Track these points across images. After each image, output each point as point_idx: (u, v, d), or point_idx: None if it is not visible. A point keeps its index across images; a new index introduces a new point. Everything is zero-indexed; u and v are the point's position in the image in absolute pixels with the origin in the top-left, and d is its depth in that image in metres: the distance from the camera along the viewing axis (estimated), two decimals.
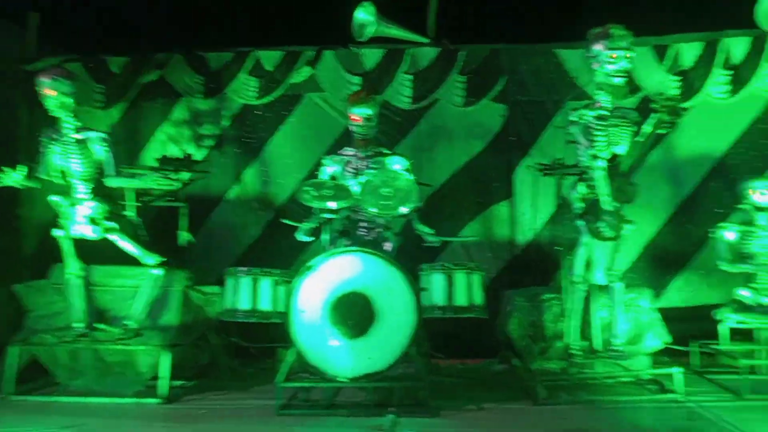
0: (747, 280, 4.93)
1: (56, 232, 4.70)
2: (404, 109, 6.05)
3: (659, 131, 4.37)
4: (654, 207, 5.95)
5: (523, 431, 3.72)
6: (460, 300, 4.24)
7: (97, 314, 4.84)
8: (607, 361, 4.51)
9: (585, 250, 4.52)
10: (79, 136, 4.66)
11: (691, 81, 5.79)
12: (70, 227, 4.68)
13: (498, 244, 6.19)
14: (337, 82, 5.95)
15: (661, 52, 5.75)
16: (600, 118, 4.44)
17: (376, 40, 5.75)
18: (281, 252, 5.57)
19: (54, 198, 4.68)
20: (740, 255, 4.89)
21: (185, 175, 5.07)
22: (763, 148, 5.85)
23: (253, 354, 5.56)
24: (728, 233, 4.92)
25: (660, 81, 5.78)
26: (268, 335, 5.10)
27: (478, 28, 6.15)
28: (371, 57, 5.94)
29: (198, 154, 6.00)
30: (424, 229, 4.86)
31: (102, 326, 4.72)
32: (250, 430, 3.96)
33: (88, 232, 4.69)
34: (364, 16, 5.57)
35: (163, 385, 4.50)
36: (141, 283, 4.78)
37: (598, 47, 4.37)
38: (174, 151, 5.88)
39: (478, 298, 4.29)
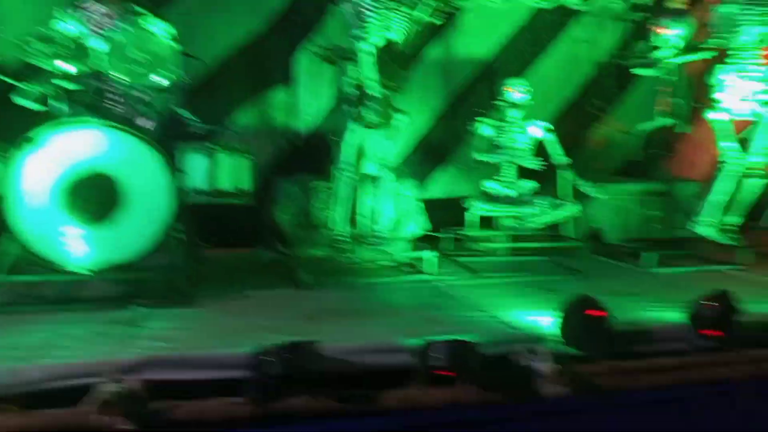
0: (494, 173, 5.41)
1: None
2: None
3: (434, 20, 4.34)
4: (427, 102, 6.19)
5: (280, 314, 3.68)
6: (224, 184, 3.94)
7: None
8: (371, 246, 4.67)
9: (353, 137, 4.49)
10: None
11: None
12: None
13: (275, 132, 5.94)
14: None
15: None
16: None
17: None
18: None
19: None
20: (493, 147, 5.31)
21: None
22: (526, 54, 6.31)
23: None
24: (484, 127, 5.28)
25: None
26: None
27: None
28: None
29: None
30: (184, 113, 4.35)
31: None
32: None
33: None
34: None
35: None
36: None
37: None
38: None
39: (245, 182, 4.04)
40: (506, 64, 6.28)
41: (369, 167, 4.59)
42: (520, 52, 6.34)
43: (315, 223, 4.78)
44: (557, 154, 5.23)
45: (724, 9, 4.76)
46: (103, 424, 2.42)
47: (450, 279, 4.64)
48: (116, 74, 3.73)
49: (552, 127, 5.27)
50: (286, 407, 2.65)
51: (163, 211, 3.76)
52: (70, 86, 3.75)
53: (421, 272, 4.72)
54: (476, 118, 5.33)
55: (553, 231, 5.38)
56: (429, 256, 4.66)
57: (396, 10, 4.37)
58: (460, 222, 5.51)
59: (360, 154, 4.58)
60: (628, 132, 5.87)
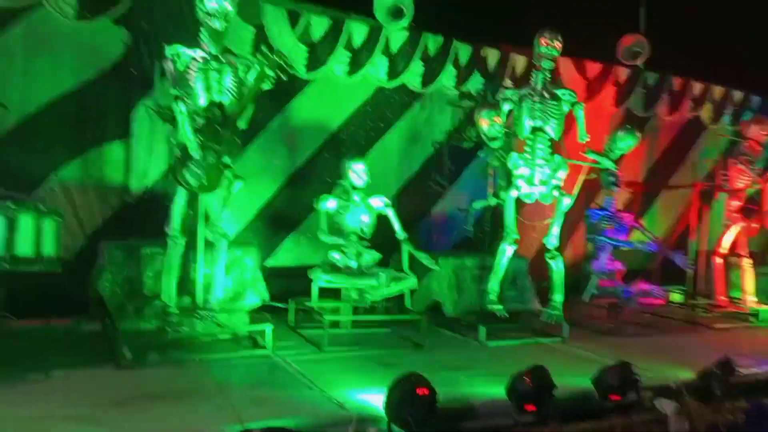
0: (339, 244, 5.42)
1: None
2: None
3: (263, 86, 4.34)
4: (272, 171, 6.15)
5: (87, 399, 3.26)
6: (24, 249, 3.50)
7: None
8: (204, 319, 4.39)
9: (180, 200, 4.28)
10: None
11: (318, 54, 6.13)
12: None
13: (107, 189, 5.49)
14: None
15: (294, 19, 5.90)
16: (198, 60, 4.25)
17: None
18: None
19: None
20: (336, 225, 5.34)
21: None
22: (368, 128, 6.58)
23: None
24: (328, 203, 5.31)
25: (291, 47, 5.94)
26: None
27: None
28: None
29: None
30: None
31: None
32: None
33: None
34: None
35: None
36: None
37: None
38: None
39: (50, 247, 3.62)
40: (353, 136, 6.50)
41: (203, 233, 4.36)
42: (366, 126, 6.58)
43: (144, 292, 4.42)
44: (397, 228, 5.39)
45: (503, 106, 5.33)
46: None
47: (290, 354, 4.48)
48: None
49: (390, 202, 5.43)
50: None
51: None
52: None
53: (259, 347, 4.52)
54: (319, 196, 5.34)
55: (396, 304, 5.48)
56: (267, 329, 4.48)
57: (220, 72, 4.31)
58: (306, 291, 5.41)
59: (189, 218, 4.34)
60: (464, 209, 6.26)
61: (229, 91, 4.30)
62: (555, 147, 5.44)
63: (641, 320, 6.23)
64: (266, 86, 4.32)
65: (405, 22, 6.22)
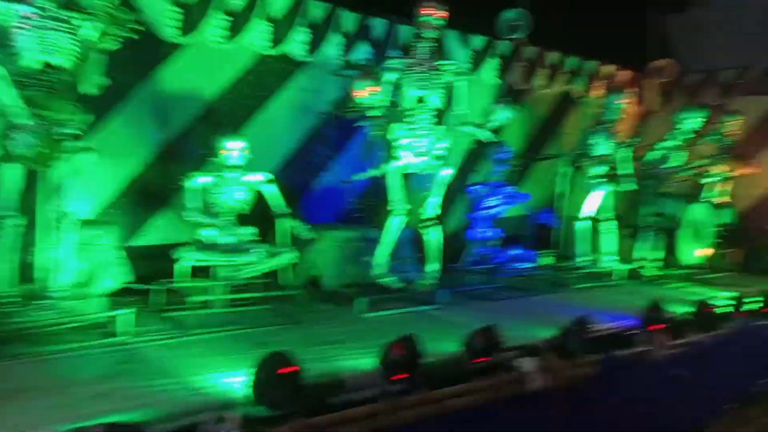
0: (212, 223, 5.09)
1: None
2: None
3: (106, 46, 3.92)
4: (140, 143, 5.68)
5: None
6: None
7: None
8: (50, 307, 3.96)
9: (8, 175, 3.82)
10: None
11: (193, 17, 5.69)
12: None
13: None
14: None
15: None
16: (28, 17, 3.75)
17: None
18: None
19: None
20: (210, 203, 5.01)
21: None
22: (248, 98, 6.23)
23: None
24: (199, 180, 4.96)
25: (161, 9, 5.49)
26: None
27: None
28: None
29: None
30: None
31: None
32: None
33: None
34: None
35: None
36: None
37: None
38: None
39: None
40: (231, 107, 6.13)
41: (47, 212, 3.91)
42: (245, 96, 6.23)
43: None
44: (277, 204, 5.15)
45: (385, 76, 5.29)
46: None
47: (149, 340, 4.17)
48: None
49: (273, 177, 5.17)
50: None
51: None
52: None
53: (114, 334, 4.15)
54: (191, 172, 4.98)
55: (273, 279, 5.26)
56: (123, 314, 4.12)
57: (54, 30, 3.83)
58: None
59: (23, 194, 3.89)
60: (348, 181, 6.11)
61: (64, 51, 3.82)
62: (439, 117, 5.41)
63: (513, 284, 6.43)
64: (110, 46, 3.88)
65: None
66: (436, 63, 5.37)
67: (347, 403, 3.30)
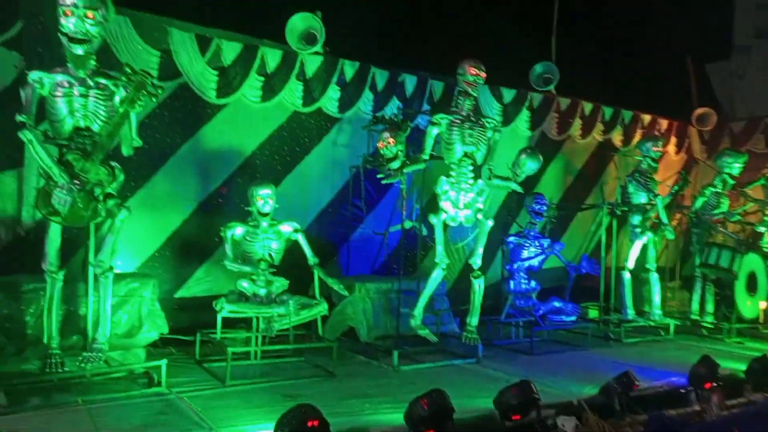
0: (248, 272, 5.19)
1: None
2: None
3: (130, 109, 4.08)
4: (182, 197, 5.91)
5: None
6: None
7: None
8: (92, 358, 4.07)
9: (53, 233, 4.00)
10: None
11: (230, 79, 6.01)
12: None
13: None
14: None
15: (203, 43, 5.78)
16: (63, 85, 4.00)
17: None
18: None
19: None
20: (243, 252, 5.14)
21: None
22: (282, 152, 6.44)
23: None
24: (235, 231, 5.10)
25: (200, 72, 5.82)
26: None
27: None
28: None
29: None
30: None
31: None
32: None
33: None
34: None
35: None
36: None
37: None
38: None
39: None
40: (267, 161, 6.34)
41: (90, 268, 4.11)
42: (281, 151, 6.44)
43: (25, 332, 4.09)
44: (308, 253, 5.24)
45: (430, 130, 5.40)
46: None
47: (188, 390, 4.23)
48: None
49: (299, 227, 5.28)
50: None
51: None
52: None
53: (155, 384, 4.24)
54: (226, 225, 5.13)
55: (309, 330, 5.29)
56: (161, 365, 4.21)
57: (86, 96, 4.05)
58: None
59: (68, 250, 4.10)
60: (381, 233, 6.16)
61: (96, 116, 4.06)
62: (477, 171, 5.49)
63: (555, 337, 6.29)
64: (136, 109, 4.10)
65: (317, 46, 6.20)
66: (482, 119, 5.51)
67: None
